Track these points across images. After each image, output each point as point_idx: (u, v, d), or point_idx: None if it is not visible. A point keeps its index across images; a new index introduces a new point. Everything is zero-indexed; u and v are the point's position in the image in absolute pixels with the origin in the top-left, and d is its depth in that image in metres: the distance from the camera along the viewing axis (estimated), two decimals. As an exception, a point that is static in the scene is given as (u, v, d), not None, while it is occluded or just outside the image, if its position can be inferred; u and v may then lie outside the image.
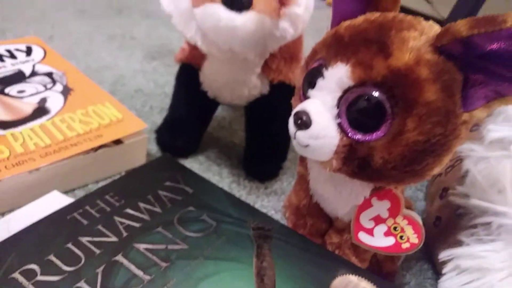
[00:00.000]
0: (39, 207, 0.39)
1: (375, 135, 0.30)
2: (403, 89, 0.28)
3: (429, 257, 0.46)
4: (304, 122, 0.31)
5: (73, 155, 0.44)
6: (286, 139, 0.53)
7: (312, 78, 0.32)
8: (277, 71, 0.47)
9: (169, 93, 0.69)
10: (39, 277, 0.31)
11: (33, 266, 0.32)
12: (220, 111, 0.63)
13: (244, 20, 0.35)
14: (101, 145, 0.46)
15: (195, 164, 0.54)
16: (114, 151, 0.47)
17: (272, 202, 0.51)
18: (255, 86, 0.47)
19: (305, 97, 0.33)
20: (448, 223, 0.42)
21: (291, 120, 0.32)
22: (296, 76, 0.40)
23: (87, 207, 0.38)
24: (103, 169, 0.47)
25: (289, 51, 0.46)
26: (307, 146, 0.31)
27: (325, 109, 0.31)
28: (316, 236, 0.41)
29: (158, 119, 0.60)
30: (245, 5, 0.35)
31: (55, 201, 0.40)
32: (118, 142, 0.47)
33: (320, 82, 0.31)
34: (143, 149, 0.50)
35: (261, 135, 0.53)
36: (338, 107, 0.30)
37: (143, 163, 0.51)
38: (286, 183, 0.54)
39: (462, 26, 0.27)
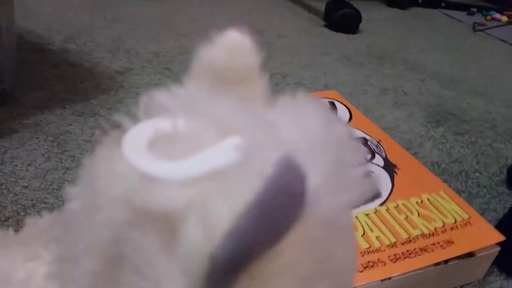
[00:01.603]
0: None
1: None
2: None
3: None
4: None
5: (426, 266, 0.35)
6: None
7: None
8: None
9: (470, 173, 0.58)
10: None
11: None
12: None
13: None
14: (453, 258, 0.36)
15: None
16: (463, 265, 0.37)
17: None
18: None
19: None
20: None
21: None
22: None
23: None
24: (443, 283, 0.38)
25: None
26: None
27: None
28: None
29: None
30: None
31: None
32: (470, 254, 0.37)
33: None
34: (489, 263, 0.39)
35: None
36: None
37: (480, 277, 0.40)
38: None
39: None
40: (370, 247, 0.36)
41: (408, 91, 0.81)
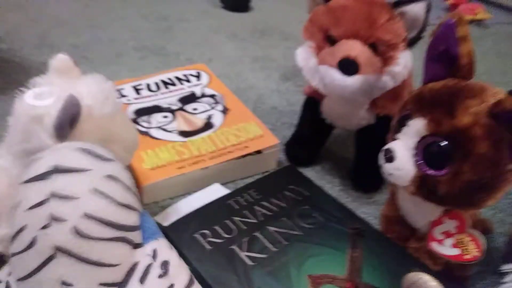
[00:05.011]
0: (208, 193, 0.59)
1: (441, 172, 0.41)
2: (462, 143, 0.39)
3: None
4: (390, 157, 0.44)
5: (230, 160, 0.63)
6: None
7: (400, 124, 0.45)
8: (382, 107, 0.59)
9: (297, 111, 0.85)
10: (209, 238, 0.50)
11: (206, 231, 0.51)
12: (337, 130, 0.77)
13: (353, 82, 0.50)
14: (247, 154, 0.64)
15: (312, 173, 0.69)
16: (256, 158, 0.65)
17: (371, 210, 0.64)
18: (363, 118, 0.60)
19: (394, 137, 0.46)
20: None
21: (381, 154, 0.46)
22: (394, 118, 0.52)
23: (238, 198, 0.56)
24: (247, 170, 0.66)
25: (394, 92, 0.58)
26: (391, 174, 0.44)
27: (406, 149, 0.43)
28: (401, 241, 0.53)
29: (288, 133, 0.76)
30: (354, 71, 0.49)
31: (216, 190, 0.60)
32: (258, 152, 0.65)
33: (405, 129, 0.44)
34: (275, 157, 0.68)
35: (367, 155, 0.65)
36: (416, 148, 0.43)
37: (274, 167, 0.68)
38: (386, 195, 0.66)
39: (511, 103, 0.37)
40: (199, 153, 0.63)
41: (274, 58, 1.07)
